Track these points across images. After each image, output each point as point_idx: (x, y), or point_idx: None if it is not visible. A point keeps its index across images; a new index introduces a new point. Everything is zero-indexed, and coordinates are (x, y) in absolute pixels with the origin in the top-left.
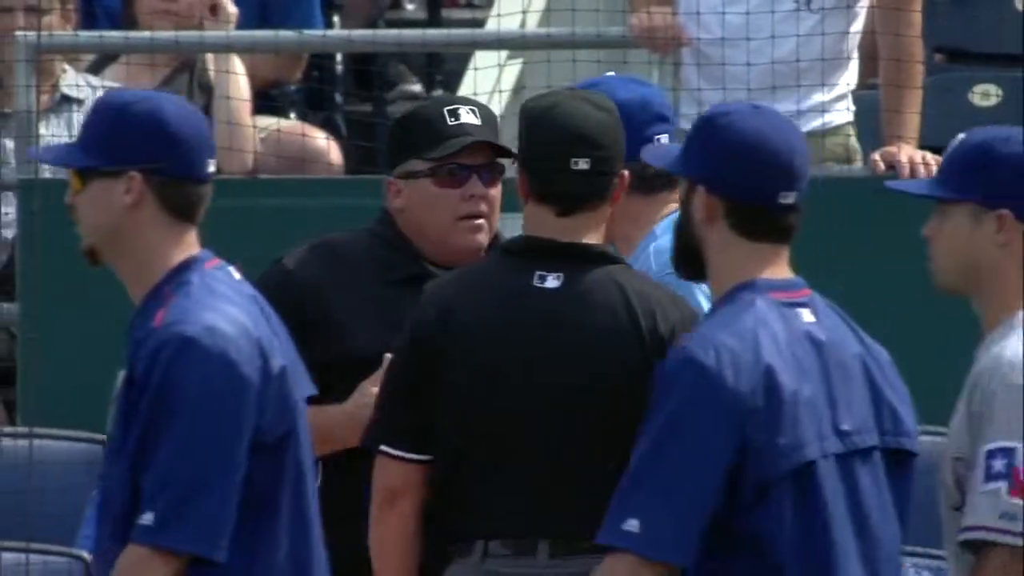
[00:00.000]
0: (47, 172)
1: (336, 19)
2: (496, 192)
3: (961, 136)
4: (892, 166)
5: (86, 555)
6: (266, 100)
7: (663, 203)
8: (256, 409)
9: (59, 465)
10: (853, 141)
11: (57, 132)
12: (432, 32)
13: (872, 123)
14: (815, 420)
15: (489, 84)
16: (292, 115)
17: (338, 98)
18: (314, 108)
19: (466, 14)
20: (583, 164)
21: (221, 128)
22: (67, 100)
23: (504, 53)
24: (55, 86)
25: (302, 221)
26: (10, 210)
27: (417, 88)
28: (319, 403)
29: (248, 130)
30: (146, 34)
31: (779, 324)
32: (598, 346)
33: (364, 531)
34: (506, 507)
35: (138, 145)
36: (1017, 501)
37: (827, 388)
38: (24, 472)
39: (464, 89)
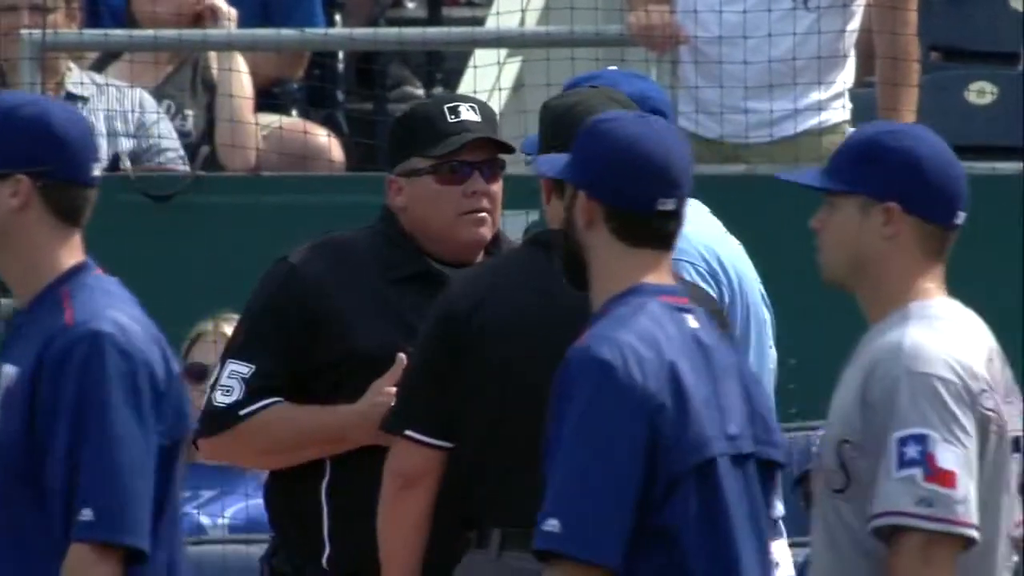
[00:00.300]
0: None
1: (337, 18)
2: (497, 188)
3: (852, 130)
4: None
5: None
6: (268, 98)
7: None
8: (162, 410)
9: None
10: None
11: None
12: (432, 30)
13: (869, 121)
14: (712, 420)
15: (489, 82)
16: (294, 113)
17: (339, 96)
18: (316, 106)
19: (466, 12)
20: None
21: (224, 125)
22: (72, 98)
23: (503, 51)
24: (60, 84)
25: (304, 218)
26: None
27: (420, 92)
28: (329, 403)
29: (250, 127)
30: (150, 32)
31: (672, 326)
32: None
33: (372, 530)
34: (525, 498)
35: (24, 148)
36: (932, 487)
37: (715, 391)
38: None
39: (464, 87)
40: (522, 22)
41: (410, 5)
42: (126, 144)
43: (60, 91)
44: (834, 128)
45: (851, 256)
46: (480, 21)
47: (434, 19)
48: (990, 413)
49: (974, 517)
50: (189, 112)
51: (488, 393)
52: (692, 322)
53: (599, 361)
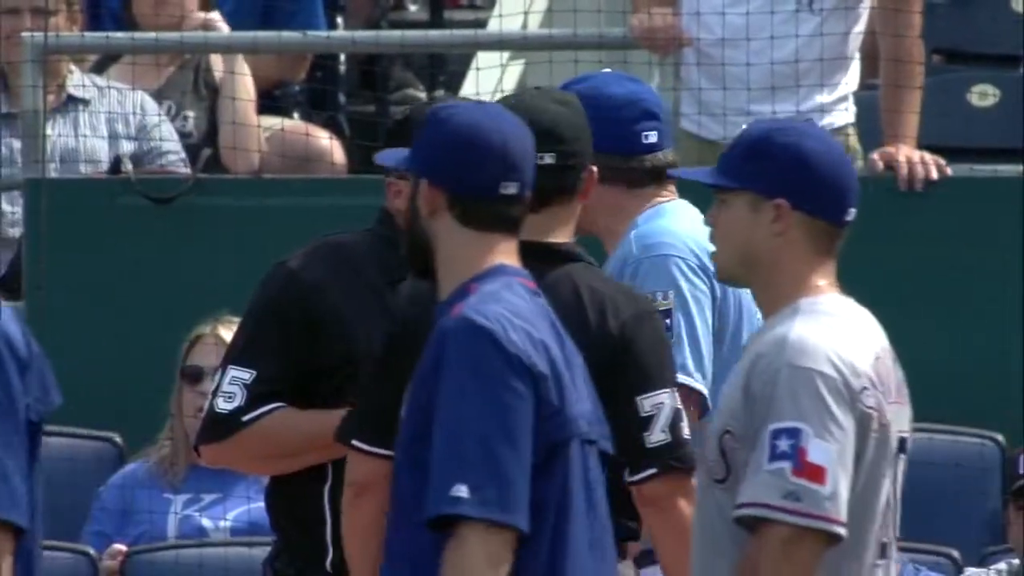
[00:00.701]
0: (53, 172)
1: (339, 20)
2: None
3: (744, 126)
4: (891, 166)
5: (92, 551)
6: (270, 100)
7: (649, 197)
8: (27, 383)
9: (65, 462)
10: (854, 141)
11: (64, 132)
12: (434, 33)
13: (873, 123)
14: (573, 400)
15: (491, 84)
16: (296, 115)
17: (341, 98)
18: (317, 108)
19: (468, 15)
20: (548, 159)
21: (226, 128)
22: (73, 100)
23: (506, 54)
24: (61, 86)
25: (306, 220)
26: (16, 209)
27: (422, 94)
28: (332, 407)
29: (254, 130)
30: (151, 35)
31: (534, 307)
32: None
33: None
34: None
35: None
36: (800, 481)
37: (571, 375)
38: None
39: (466, 90)
40: (525, 24)
41: (412, 7)
42: (127, 147)
43: (62, 93)
44: (838, 131)
45: (742, 253)
46: (482, 23)
47: (436, 21)
48: (871, 411)
49: (842, 514)
50: (190, 114)
51: None
52: (546, 307)
53: (479, 328)
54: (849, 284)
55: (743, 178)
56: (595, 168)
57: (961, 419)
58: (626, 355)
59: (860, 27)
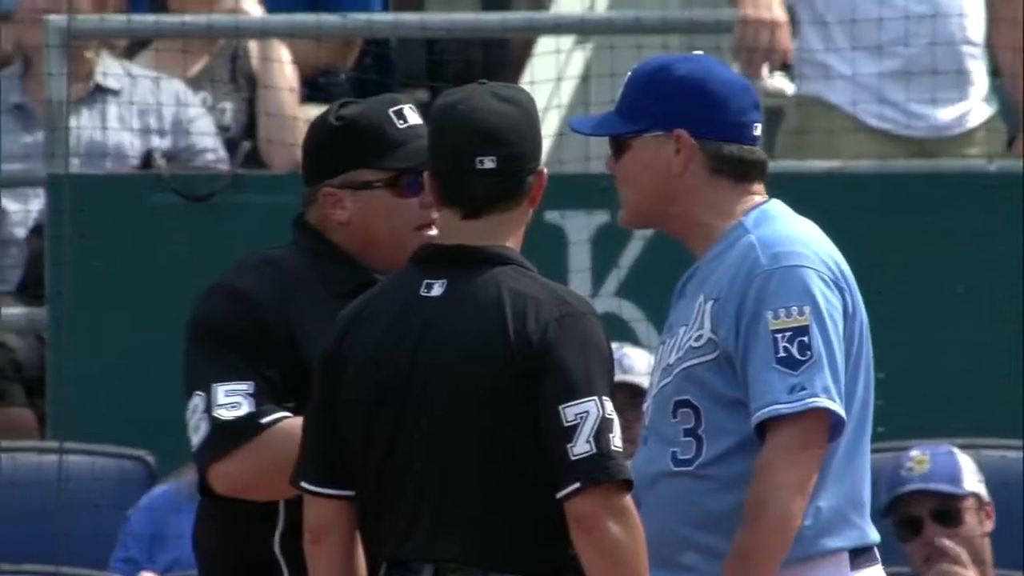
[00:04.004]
0: (76, 167)
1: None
2: None
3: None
4: None
5: None
6: (314, 89)
7: (746, 193)
8: None
9: (90, 482)
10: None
11: (90, 124)
12: (487, 16)
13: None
14: None
15: (551, 72)
16: None
17: (394, 87)
18: (367, 97)
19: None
20: (488, 163)
21: (264, 119)
22: (102, 91)
23: (570, 39)
24: (90, 75)
25: None
26: (23, 207)
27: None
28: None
29: (295, 122)
30: (178, 19)
31: None
32: (468, 353)
33: None
34: (393, 531)
35: None
36: None
37: None
38: (53, 490)
39: (524, 78)
40: (591, 7)
41: None
42: (160, 142)
43: (90, 82)
44: (981, 124)
45: None
46: (546, 5)
47: (499, 3)
48: None
49: None
50: (227, 105)
51: (354, 425)
52: None
53: None
54: (937, 283)
55: None
56: (545, 170)
57: None
58: (547, 361)
59: None
